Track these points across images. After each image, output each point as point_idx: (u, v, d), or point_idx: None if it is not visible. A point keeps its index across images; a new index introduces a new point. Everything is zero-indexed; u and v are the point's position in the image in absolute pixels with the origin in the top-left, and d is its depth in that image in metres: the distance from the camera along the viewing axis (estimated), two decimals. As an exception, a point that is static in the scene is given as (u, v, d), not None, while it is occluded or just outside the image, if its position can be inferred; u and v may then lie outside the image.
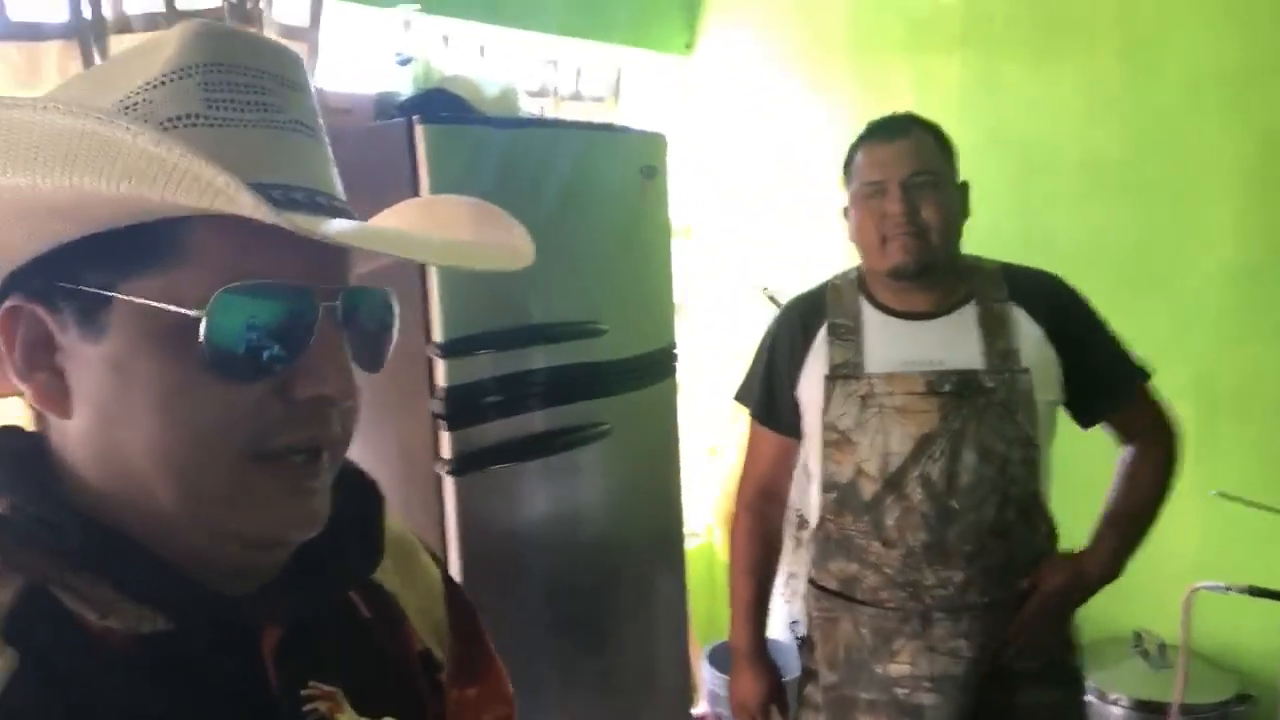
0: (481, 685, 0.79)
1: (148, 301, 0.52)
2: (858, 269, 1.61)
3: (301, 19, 2.08)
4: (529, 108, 2.37)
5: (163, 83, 0.53)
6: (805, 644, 1.68)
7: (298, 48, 2.07)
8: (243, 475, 0.54)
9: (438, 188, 1.69)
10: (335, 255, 0.56)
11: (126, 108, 0.53)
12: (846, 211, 1.56)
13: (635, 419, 2.13)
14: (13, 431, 0.60)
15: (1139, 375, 1.55)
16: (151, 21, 1.88)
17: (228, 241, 0.52)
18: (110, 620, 0.53)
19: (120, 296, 0.52)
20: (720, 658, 2.81)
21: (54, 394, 0.55)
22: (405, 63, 1.99)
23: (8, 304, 0.55)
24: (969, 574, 1.45)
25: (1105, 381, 1.54)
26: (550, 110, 2.74)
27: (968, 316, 1.50)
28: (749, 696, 1.66)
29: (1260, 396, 2.35)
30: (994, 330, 1.48)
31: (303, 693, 0.58)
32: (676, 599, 2.33)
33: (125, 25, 1.85)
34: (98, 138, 0.46)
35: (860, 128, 1.57)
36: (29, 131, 0.47)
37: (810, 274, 2.93)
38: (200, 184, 0.46)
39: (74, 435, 0.56)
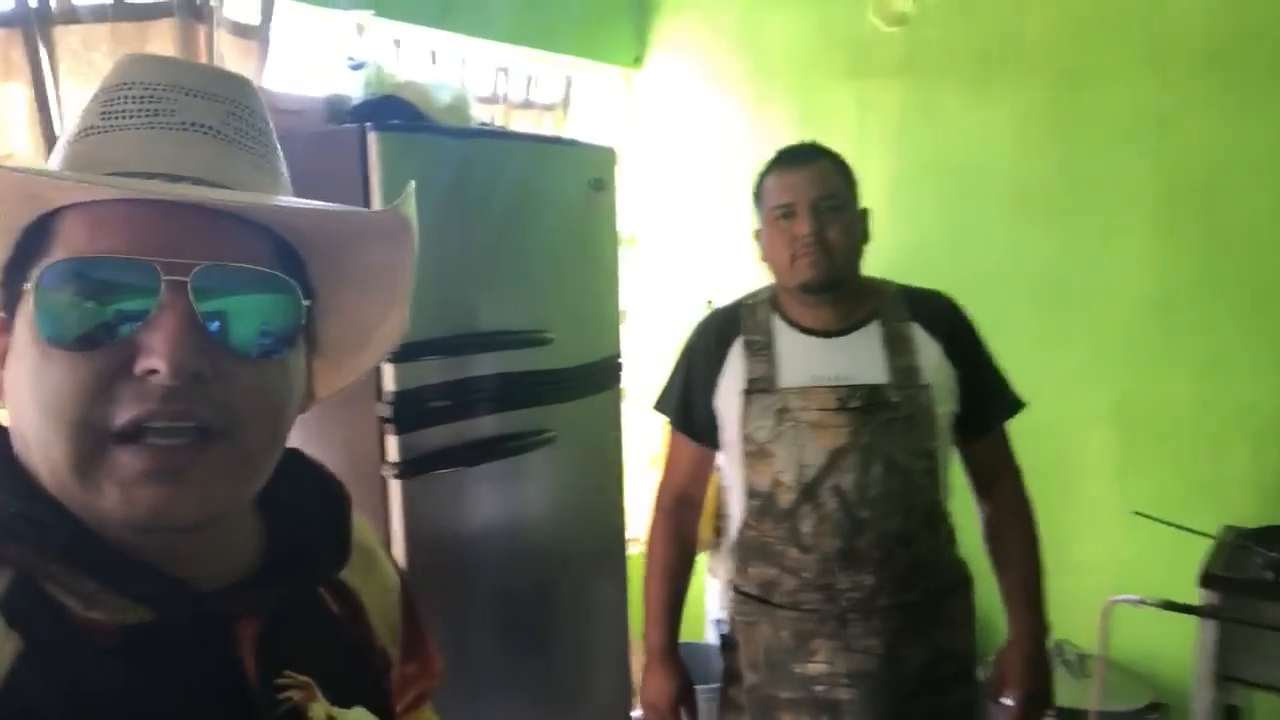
0: (418, 663, 0.83)
1: (21, 288, 0.56)
2: (770, 288, 1.69)
3: (253, 17, 2.06)
4: (480, 115, 2.38)
5: (89, 105, 0.61)
6: (726, 645, 1.73)
7: (247, 46, 2.05)
8: (104, 455, 0.54)
9: (389, 194, 1.69)
10: (196, 233, 0.56)
11: (73, 133, 0.61)
12: (758, 234, 1.65)
13: (580, 427, 2.15)
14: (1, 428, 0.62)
15: (1016, 402, 1.65)
16: (99, 13, 1.84)
17: (85, 226, 0.56)
18: (95, 611, 0.55)
19: (18, 292, 0.57)
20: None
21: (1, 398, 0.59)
22: (358, 67, 1.99)
23: None
24: (879, 578, 1.53)
25: (990, 401, 1.63)
26: (500, 118, 2.75)
27: (872, 334, 1.58)
28: (660, 696, 1.70)
29: (1175, 420, 2.47)
30: (897, 347, 1.56)
31: (277, 682, 0.60)
32: (617, 604, 2.36)
33: (72, 16, 1.82)
34: None
35: None
36: None
37: (752, 287, 3.02)
38: None
39: (14, 434, 0.59)
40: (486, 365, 1.92)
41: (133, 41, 1.89)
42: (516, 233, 1.99)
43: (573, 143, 2.28)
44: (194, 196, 0.56)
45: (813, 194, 1.54)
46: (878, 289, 1.63)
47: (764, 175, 1.63)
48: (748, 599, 1.64)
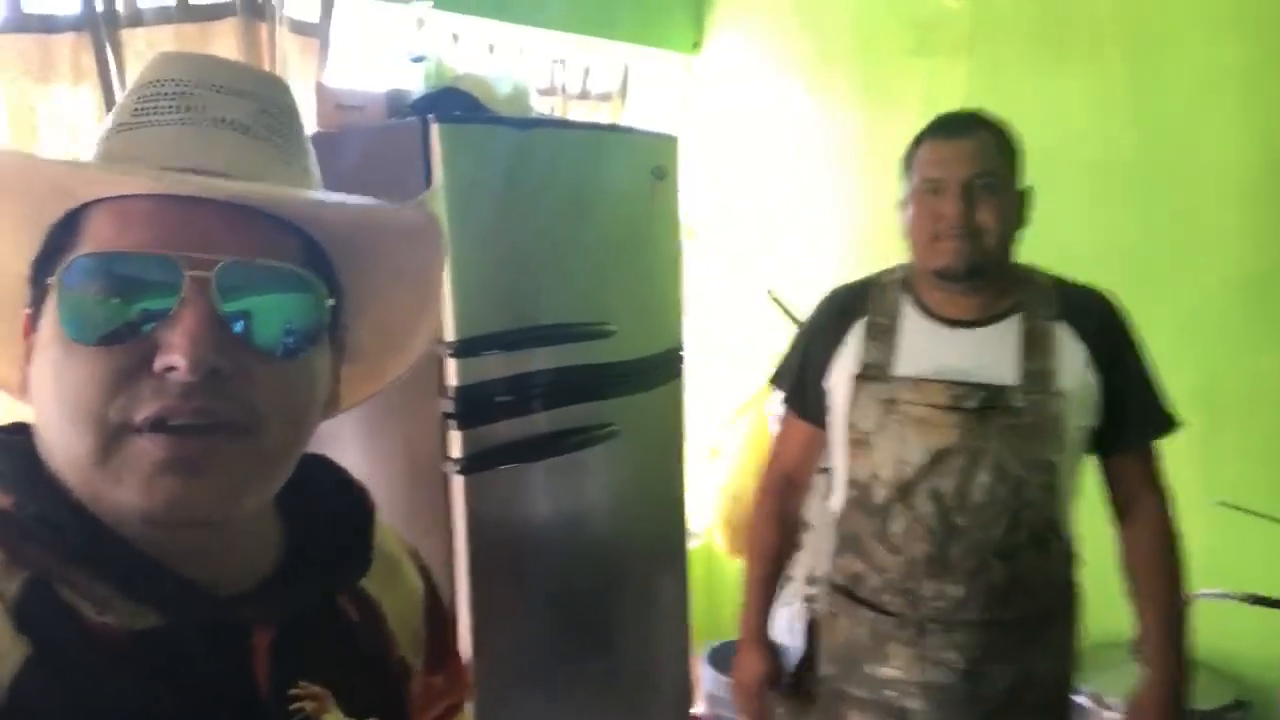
0: (445, 675, 0.81)
1: (49, 284, 0.57)
2: (905, 267, 1.58)
3: (313, 15, 2.07)
4: (538, 106, 2.36)
5: (123, 101, 0.62)
6: (809, 632, 1.69)
7: (308, 45, 2.06)
8: (121, 448, 0.54)
9: (452, 187, 1.68)
10: (221, 229, 0.56)
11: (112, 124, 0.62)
12: (903, 204, 1.52)
13: (642, 420, 2.13)
14: (20, 428, 0.62)
15: (1168, 420, 1.51)
16: (164, 15, 1.87)
17: (110, 221, 0.56)
18: (106, 616, 0.55)
19: (42, 285, 0.58)
20: (719, 658, 2.82)
21: (26, 386, 0.60)
22: (418, 60, 1.99)
23: (25, 312, 0.60)
24: (968, 590, 1.44)
25: (1135, 415, 1.49)
26: (557, 109, 2.74)
27: (1010, 329, 1.46)
28: (750, 677, 1.68)
29: (1264, 405, 2.36)
30: (1035, 347, 1.44)
31: (291, 691, 0.60)
32: (678, 600, 2.34)
33: (137, 19, 1.84)
34: None
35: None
36: None
37: (814, 277, 2.97)
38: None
39: (38, 430, 0.59)
40: (548, 359, 1.91)
41: (196, 42, 1.91)
42: (578, 223, 1.97)
43: (635, 131, 2.25)
44: (213, 188, 0.56)
45: (966, 170, 1.40)
46: (1027, 279, 1.50)
47: (916, 143, 1.50)
48: (834, 589, 1.60)
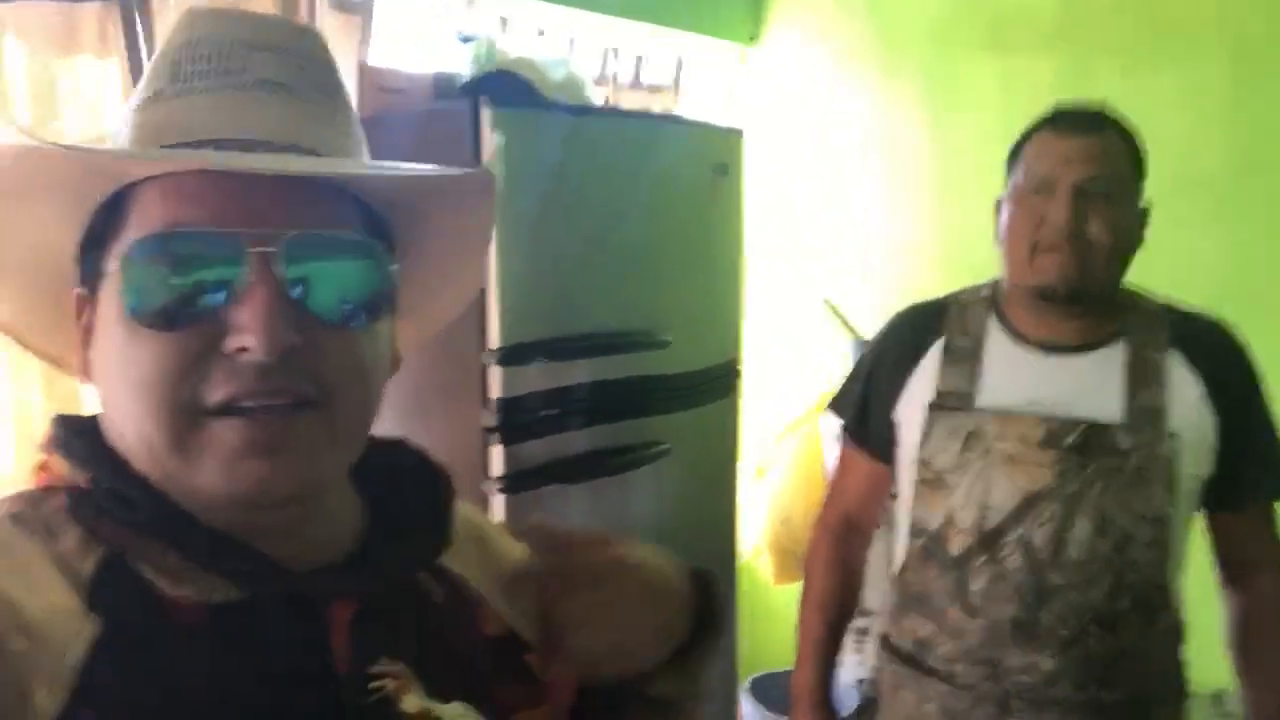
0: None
1: (103, 269, 0.56)
2: (992, 284, 1.40)
3: (355, -9, 1.94)
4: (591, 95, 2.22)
5: (156, 63, 0.59)
6: (864, 708, 1.50)
7: (350, 23, 1.93)
8: (196, 432, 0.54)
9: (504, 172, 1.54)
10: (278, 200, 0.55)
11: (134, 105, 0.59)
12: (999, 206, 1.34)
13: (695, 438, 1.99)
14: (89, 416, 0.62)
15: None
16: (197, -15, 1.74)
17: (163, 199, 0.54)
18: (183, 589, 0.55)
19: (98, 269, 0.56)
20: (761, 689, 2.66)
21: (85, 369, 0.59)
22: (467, 41, 1.85)
23: (76, 292, 0.59)
24: (1062, 663, 1.24)
25: (1254, 467, 1.28)
26: (609, 99, 2.60)
27: (1113, 359, 1.28)
28: None
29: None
30: (1142, 380, 1.26)
31: (371, 669, 0.58)
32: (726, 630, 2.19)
33: (169, -12, 1.72)
34: None
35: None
36: None
37: (873, 287, 2.79)
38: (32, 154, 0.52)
39: (104, 413, 0.59)
40: (596, 370, 1.76)
41: (232, 15, 1.78)
42: (633, 222, 1.82)
43: (696, 124, 2.10)
44: (275, 167, 0.55)
45: (1081, 172, 1.21)
46: (1131, 302, 1.32)
47: (1027, 135, 1.31)
48: (896, 655, 1.40)
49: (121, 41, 1.67)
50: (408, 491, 0.68)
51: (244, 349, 0.52)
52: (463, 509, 0.72)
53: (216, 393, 0.53)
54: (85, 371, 0.60)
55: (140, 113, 0.58)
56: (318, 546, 0.61)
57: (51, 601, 0.52)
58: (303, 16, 1.83)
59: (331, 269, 0.56)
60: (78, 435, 0.59)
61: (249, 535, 0.57)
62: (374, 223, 0.62)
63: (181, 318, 0.53)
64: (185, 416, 0.53)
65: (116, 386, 0.56)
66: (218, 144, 0.56)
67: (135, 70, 1.68)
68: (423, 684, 0.59)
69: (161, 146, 0.57)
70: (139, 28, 1.68)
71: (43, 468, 0.59)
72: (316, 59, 0.61)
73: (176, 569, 0.55)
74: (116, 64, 1.68)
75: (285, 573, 0.58)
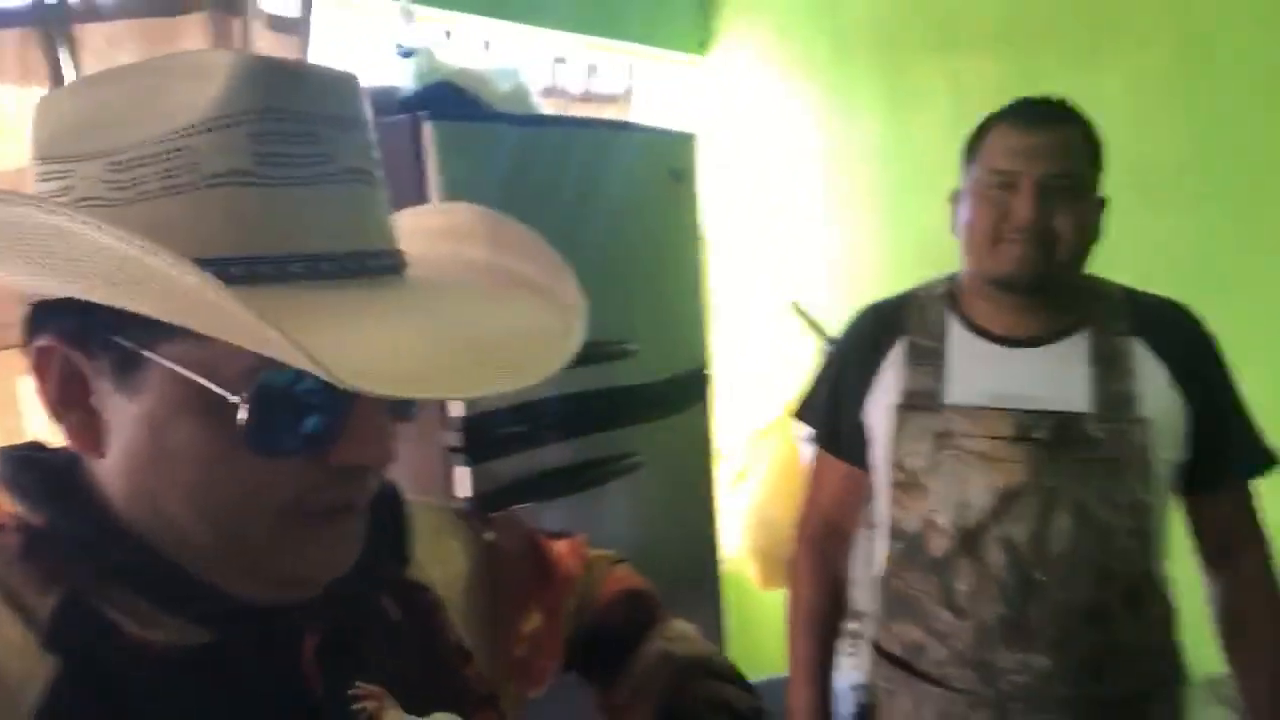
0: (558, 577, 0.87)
1: (187, 373, 0.51)
2: (949, 280, 1.38)
3: (292, 9, 1.88)
4: (540, 107, 2.18)
5: (209, 129, 0.49)
6: (865, 715, 1.45)
7: (287, 41, 1.87)
8: (282, 528, 0.54)
9: (448, 188, 1.49)
10: None
11: (168, 152, 0.49)
12: (957, 197, 1.32)
13: (666, 448, 1.94)
14: (42, 445, 0.60)
15: (1270, 455, 1.29)
16: (124, 8, 1.67)
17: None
18: (151, 632, 0.54)
19: (158, 360, 0.51)
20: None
21: (87, 434, 0.54)
22: (408, 55, 1.79)
23: (40, 343, 0.53)
24: (1055, 661, 1.21)
25: (1227, 447, 1.27)
26: (559, 112, 2.55)
27: (1078, 348, 1.25)
28: None
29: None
30: (1109, 368, 1.24)
31: (350, 693, 0.59)
32: (711, 634, 2.12)
33: (94, 13, 1.65)
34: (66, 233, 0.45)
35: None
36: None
37: (840, 286, 2.76)
38: (176, 294, 0.45)
39: (107, 467, 0.55)
40: (564, 383, 1.70)
41: (162, 39, 1.72)
42: (589, 231, 1.78)
43: (649, 129, 2.06)
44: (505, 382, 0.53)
45: (1045, 167, 1.20)
46: (1093, 290, 1.30)
47: (987, 125, 1.28)
48: (888, 661, 1.35)
49: (44, 70, 1.60)
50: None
51: (362, 466, 0.55)
52: (418, 514, 0.73)
53: (323, 499, 0.55)
54: (76, 434, 0.54)
55: (222, 193, 0.49)
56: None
57: (4, 637, 0.51)
58: (236, 37, 1.77)
59: None
60: (26, 470, 0.57)
61: (216, 574, 0.56)
62: None
63: (296, 445, 0.53)
64: (288, 518, 0.54)
65: (186, 487, 0.53)
66: (327, 259, 0.52)
67: (61, 99, 1.61)
68: (399, 700, 0.61)
69: (266, 253, 0.50)
70: (62, 54, 1.61)
71: None
72: (364, 121, 0.56)
73: (142, 612, 0.54)
74: (40, 94, 1.61)
75: (255, 612, 0.57)
